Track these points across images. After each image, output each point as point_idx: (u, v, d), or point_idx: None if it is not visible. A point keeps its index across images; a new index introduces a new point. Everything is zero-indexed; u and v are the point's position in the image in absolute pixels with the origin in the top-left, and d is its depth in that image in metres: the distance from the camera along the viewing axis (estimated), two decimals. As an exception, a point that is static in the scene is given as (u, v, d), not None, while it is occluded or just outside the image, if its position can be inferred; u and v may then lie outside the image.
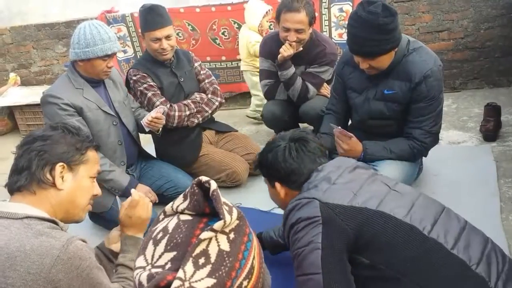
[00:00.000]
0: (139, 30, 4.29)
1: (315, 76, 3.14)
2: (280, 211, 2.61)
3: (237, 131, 3.26)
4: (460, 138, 3.17)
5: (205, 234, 0.71)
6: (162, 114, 2.66)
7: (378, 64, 2.22)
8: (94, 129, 2.46)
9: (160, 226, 0.78)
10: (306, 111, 3.13)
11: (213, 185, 0.77)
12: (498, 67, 4.02)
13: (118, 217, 1.64)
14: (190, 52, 3.11)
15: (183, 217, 0.77)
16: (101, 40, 2.36)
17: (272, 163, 1.66)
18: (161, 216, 0.81)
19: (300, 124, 3.59)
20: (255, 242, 0.80)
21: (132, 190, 1.68)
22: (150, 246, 0.75)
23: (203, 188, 0.78)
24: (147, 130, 2.69)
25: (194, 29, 4.27)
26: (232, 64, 4.39)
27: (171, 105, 2.83)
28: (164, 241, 0.74)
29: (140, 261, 0.74)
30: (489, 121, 3.09)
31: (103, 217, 2.59)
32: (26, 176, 1.30)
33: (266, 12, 3.76)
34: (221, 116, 3.13)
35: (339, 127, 2.38)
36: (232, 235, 0.75)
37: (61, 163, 1.35)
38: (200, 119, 2.95)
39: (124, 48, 4.47)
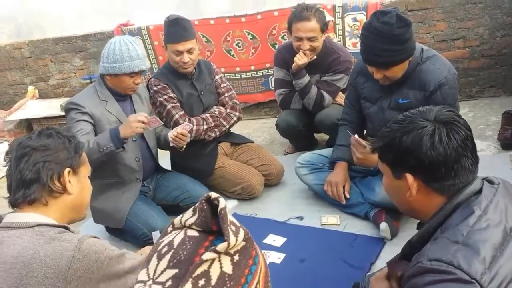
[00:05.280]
0: (155, 43, 4.40)
1: (330, 84, 3.14)
2: (297, 222, 2.63)
3: (253, 142, 3.26)
4: (478, 147, 3.07)
5: (208, 255, 0.69)
6: (188, 132, 2.65)
7: (392, 74, 2.22)
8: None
9: (166, 239, 0.76)
10: (322, 119, 3.13)
11: (222, 203, 0.74)
12: (515, 74, 3.98)
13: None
14: (212, 64, 3.11)
15: (190, 232, 0.75)
16: (129, 57, 2.38)
17: (412, 149, 1.23)
18: (169, 228, 0.79)
19: (315, 134, 3.60)
20: (262, 265, 0.77)
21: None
22: (154, 260, 0.73)
23: (212, 205, 0.76)
24: (171, 145, 2.67)
25: (209, 41, 4.31)
26: (246, 75, 4.41)
27: (189, 119, 2.84)
28: (167, 257, 0.72)
29: (143, 275, 0.73)
30: (507, 129, 3.05)
31: (119, 228, 2.60)
32: (37, 189, 1.31)
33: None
34: (235, 127, 3.13)
35: (356, 135, 2.37)
36: (236, 257, 0.72)
37: (67, 169, 1.37)
38: (218, 133, 2.96)
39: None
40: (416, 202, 1.27)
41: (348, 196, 2.52)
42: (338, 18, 3.99)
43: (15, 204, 1.34)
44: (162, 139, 2.75)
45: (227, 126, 3.01)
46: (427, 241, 1.18)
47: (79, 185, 1.42)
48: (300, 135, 3.40)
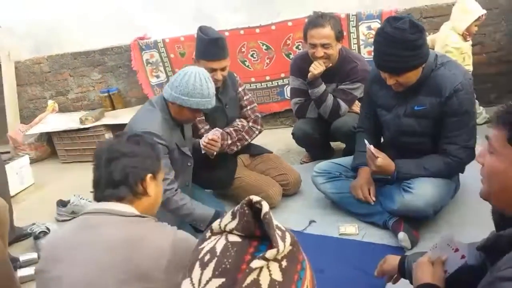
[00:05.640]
0: (171, 55, 4.45)
1: (347, 93, 3.13)
2: (315, 231, 2.61)
3: (271, 152, 3.26)
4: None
5: (256, 263, 0.66)
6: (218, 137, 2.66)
7: (405, 80, 2.21)
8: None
9: (207, 246, 0.73)
10: (339, 126, 3.12)
11: (265, 207, 0.72)
12: (534, 79, 3.92)
13: None
14: (236, 76, 3.12)
15: (232, 238, 0.73)
16: (200, 94, 2.34)
17: None
18: (208, 234, 0.76)
19: (331, 143, 3.59)
20: (309, 270, 0.75)
21: None
22: (197, 269, 0.71)
23: (253, 209, 0.73)
24: (203, 152, 2.68)
25: (224, 52, 4.34)
26: (261, 85, 4.43)
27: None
28: (212, 265, 0.69)
29: (187, 285, 0.70)
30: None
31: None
32: (124, 189, 1.47)
33: (479, 17, 3.41)
34: (254, 138, 3.15)
35: (371, 146, 2.36)
36: (284, 263, 0.69)
37: (150, 174, 1.52)
38: (240, 147, 2.98)
39: (157, 73, 4.60)
40: None
41: (374, 198, 2.50)
42: (352, 27, 4.00)
43: (104, 200, 1.47)
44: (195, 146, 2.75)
45: (249, 140, 3.03)
46: None
47: (156, 188, 1.57)
48: (316, 144, 3.39)
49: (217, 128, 2.72)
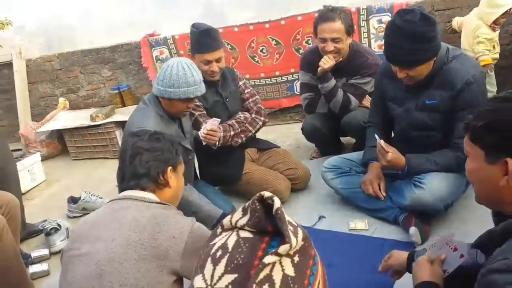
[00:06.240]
0: (181, 52, 4.45)
1: (357, 88, 3.10)
2: (325, 226, 2.60)
3: (279, 147, 3.25)
4: None
5: (269, 258, 0.66)
6: (217, 127, 2.65)
7: (416, 73, 2.18)
8: None
9: (218, 242, 0.73)
10: (349, 120, 3.10)
11: (277, 202, 0.72)
12: (547, 72, 3.85)
13: None
14: (235, 70, 3.12)
15: (243, 233, 0.72)
16: (186, 83, 2.33)
17: None
18: (219, 230, 0.76)
19: (341, 138, 3.56)
20: (320, 265, 0.75)
21: None
22: (209, 265, 0.71)
23: (264, 204, 0.73)
24: (204, 143, 2.67)
25: (233, 48, 4.33)
26: (271, 81, 4.41)
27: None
28: (224, 261, 0.69)
29: (199, 281, 0.70)
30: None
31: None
32: (147, 180, 1.61)
33: (508, 10, 3.44)
34: (261, 132, 3.14)
35: (382, 140, 2.34)
36: (296, 258, 0.70)
37: (170, 167, 1.67)
38: (244, 138, 2.96)
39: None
40: (507, 191, 1.15)
41: (384, 194, 2.48)
42: (362, 20, 3.96)
43: (128, 189, 1.61)
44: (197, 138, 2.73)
45: (253, 131, 3.01)
46: (511, 235, 1.10)
47: (177, 181, 1.71)
48: (326, 139, 3.37)
49: (215, 118, 2.69)
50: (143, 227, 1.43)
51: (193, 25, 2.81)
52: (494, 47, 3.55)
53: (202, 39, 2.74)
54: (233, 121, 2.93)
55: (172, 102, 2.39)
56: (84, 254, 1.42)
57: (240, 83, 3.05)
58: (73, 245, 1.48)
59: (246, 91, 3.06)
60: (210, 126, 2.61)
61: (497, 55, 3.60)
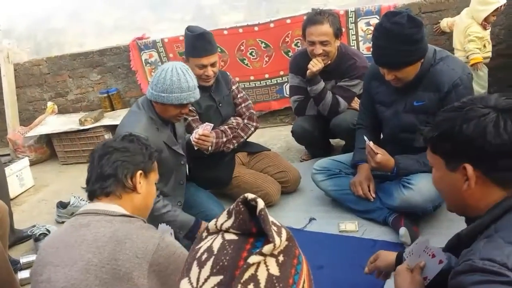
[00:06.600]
0: (170, 55, 4.45)
1: (346, 90, 3.12)
2: (315, 228, 2.61)
3: (269, 150, 3.25)
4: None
5: (254, 258, 0.66)
6: (210, 132, 2.62)
7: (404, 75, 2.20)
8: (161, 169, 2.20)
9: (204, 245, 0.74)
10: (338, 123, 3.11)
11: (260, 203, 0.72)
12: (533, 73, 3.90)
13: None
14: (228, 74, 3.10)
15: (228, 236, 0.73)
16: (179, 88, 2.27)
17: (474, 138, 1.14)
18: (204, 234, 0.77)
19: (331, 140, 3.58)
20: (305, 265, 0.76)
21: None
22: (195, 268, 0.71)
23: (249, 206, 0.73)
24: (196, 148, 2.63)
25: (223, 51, 4.33)
26: (260, 83, 4.42)
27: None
28: (209, 263, 0.69)
29: (185, 285, 0.70)
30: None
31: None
32: (112, 183, 1.49)
33: (498, 8, 3.49)
34: (251, 135, 3.14)
35: (371, 142, 2.35)
36: (281, 258, 0.70)
37: (140, 171, 1.55)
38: (236, 144, 2.96)
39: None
40: (471, 196, 1.19)
41: (373, 195, 2.50)
42: (351, 23, 3.99)
43: (94, 194, 1.51)
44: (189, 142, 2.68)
45: (245, 137, 3.01)
46: (477, 236, 1.14)
47: (147, 187, 1.59)
48: (316, 141, 3.38)
49: (207, 123, 2.67)
50: (103, 247, 1.32)
51: (188, 29, 2.79)
52: (485, 45, 3.59)
53: (198, 43, 2.71)
54: (226, 127, 2.92)
55: (165, 107, 2.35)
56: (45, 280, 1.33)
57: (233, 87, 3.04)
58: (37, 268, 1.39)
59: (239, 96, 3.05)
60: (202, 131, 2.58)
61: (488, 54, 3.64)
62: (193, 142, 2.59)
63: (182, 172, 2.59)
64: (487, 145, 1.12)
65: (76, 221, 1.43)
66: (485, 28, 3.55)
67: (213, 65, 2.75)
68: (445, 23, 3.83)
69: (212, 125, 2.67)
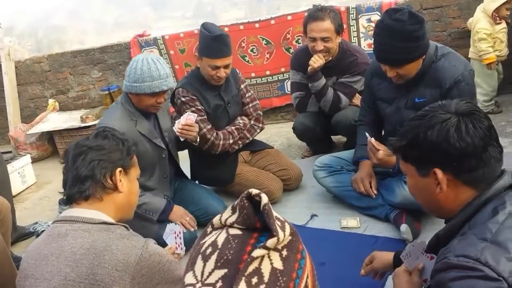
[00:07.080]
0: (171, 52, 4.44)
1: (347, 86, 3.12)
2: (317, 225, 2.61)
3: (272, 147, 3.25)
4: (500, 144, 3.06)
5: (258, 252, 0.67)
6: (195, 122, 2.59)
7: (406, 72, 2.20)
8: (142, 162, 2.21)
9: (208, 240, 0.74)
10: (339, 120, 3.11)
11: (264, 198, 0.73)
12: (535, 70, 3.89)
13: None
14: (238, 72, 3.07)
15: (232, 231, 0.74)
16: (150, 77, 2.31)
17: (439, 143, 1.18)
18: (209, 229, 0.77)
19: (332, 137, 3.58)
20: (308, 259, 0.77)
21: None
22: (199, 262, 0.71)
23: (253, 201, 0.74)
24: (182, 139, 2.60)
25: (224, 48, 4.32)
26: (262, 80, 4.42)
27: (216, 133, 2.82)
28: (214, 257, 0.70)
29: (190, 278, 0.71)
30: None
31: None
32: (91, 185, 1.40)
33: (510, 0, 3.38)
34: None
35: (372, 138, 2.35)
36: (285, 252, 0.71)
37: (119, 168, 1.47)
38: (241, 145, 2.97)
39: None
40: (444, 199, 1.24)
41: (375, 191, 2.50)
42: (352, 19, 3.98)
43: (72, 198, 1.42)
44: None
45: (250, 138, 3.02)
46: (454, 235, 1.17)
47: (129, 184, 1.51)
48: (317, 138, 3.39)
49: (189, 112, 2.63)
50: (80, 261, 1.26)
51: (204, 27, 2.73)
52: (495, 43, 3.46)
53: (215, 45, 2.66)
54: (233, 127, 2.92)
55: (140, 97, 2.38)
56: None
57: (242, 86, 3.02)
58: (19, 280, 1.36)
59: (247, 95, 3.04)
60: (185, 121, 2.55)
61: (503, 52, 3.50)
62: (176, 132, 2.57)
63: (165, 165, 2.59)
64: (451, 148, 1.17)
65: (54, 230, 1.36)
66: (495, 22, 3.40)
67: (226, 67, 2.73)
68: (470, 21, 3.66)
69: (196, 114, 2.63)
